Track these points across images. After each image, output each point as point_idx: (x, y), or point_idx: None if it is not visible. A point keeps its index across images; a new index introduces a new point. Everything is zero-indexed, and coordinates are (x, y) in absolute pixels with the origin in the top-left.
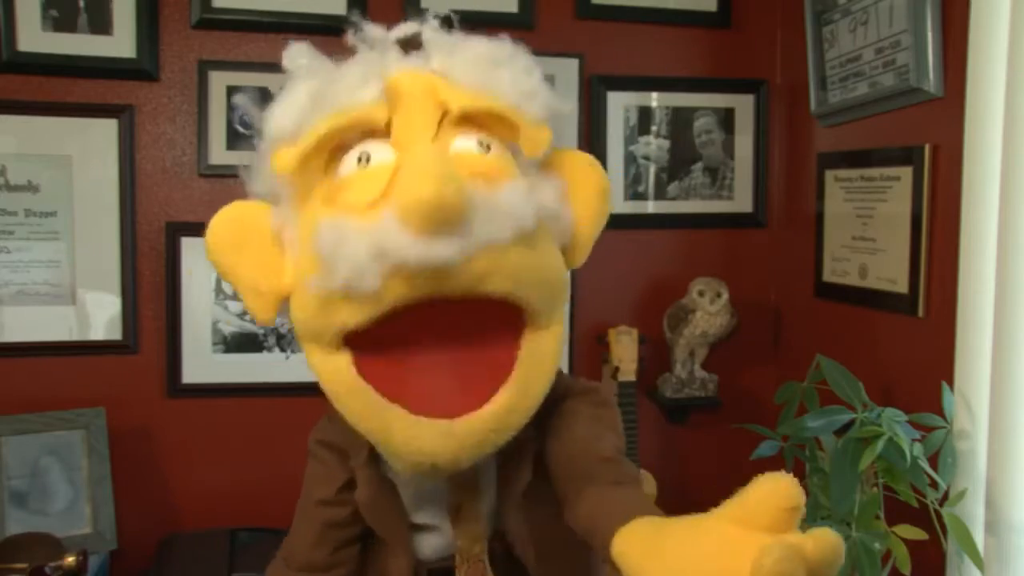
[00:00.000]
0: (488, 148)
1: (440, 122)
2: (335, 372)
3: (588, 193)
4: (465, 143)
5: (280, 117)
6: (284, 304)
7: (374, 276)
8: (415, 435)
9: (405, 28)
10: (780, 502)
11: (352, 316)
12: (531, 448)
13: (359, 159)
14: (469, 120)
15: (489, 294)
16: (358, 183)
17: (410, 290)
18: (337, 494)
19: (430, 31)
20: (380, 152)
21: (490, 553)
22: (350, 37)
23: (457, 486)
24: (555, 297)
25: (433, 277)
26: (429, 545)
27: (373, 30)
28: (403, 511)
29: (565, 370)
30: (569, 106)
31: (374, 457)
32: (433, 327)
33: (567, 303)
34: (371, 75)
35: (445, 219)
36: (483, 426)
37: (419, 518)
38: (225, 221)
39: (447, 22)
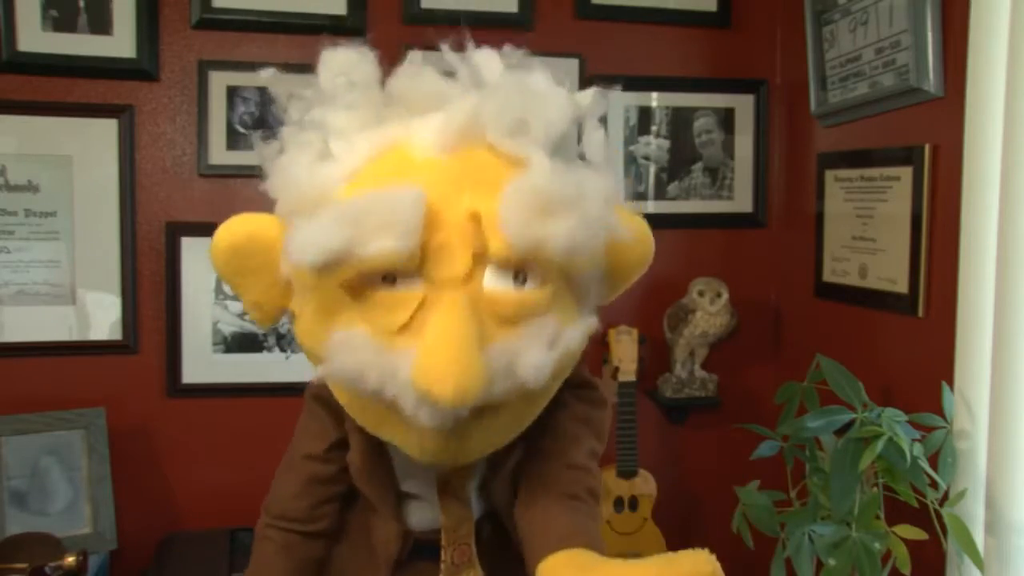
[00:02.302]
0: (524, 280)
1: (475, 258)
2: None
3: (634, 258)
4: (499, 279)
5: (308, 247)
6: (284, 314)
7: (381, 401)
8: (420, 439)
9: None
10: None
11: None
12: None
13: (384, 277)
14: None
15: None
16: (382, 304)
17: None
18: (326, 451)
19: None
20: (408, 281)
21: (477, 535)
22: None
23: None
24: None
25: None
26: (416, 515)
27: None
28: (393, 477)
29: None
30: (628, 232)
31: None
32: None
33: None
34: (403, 203)
35: (457, 412)
36: (489, 428)
37: (408, 486)
38: (232, 244)
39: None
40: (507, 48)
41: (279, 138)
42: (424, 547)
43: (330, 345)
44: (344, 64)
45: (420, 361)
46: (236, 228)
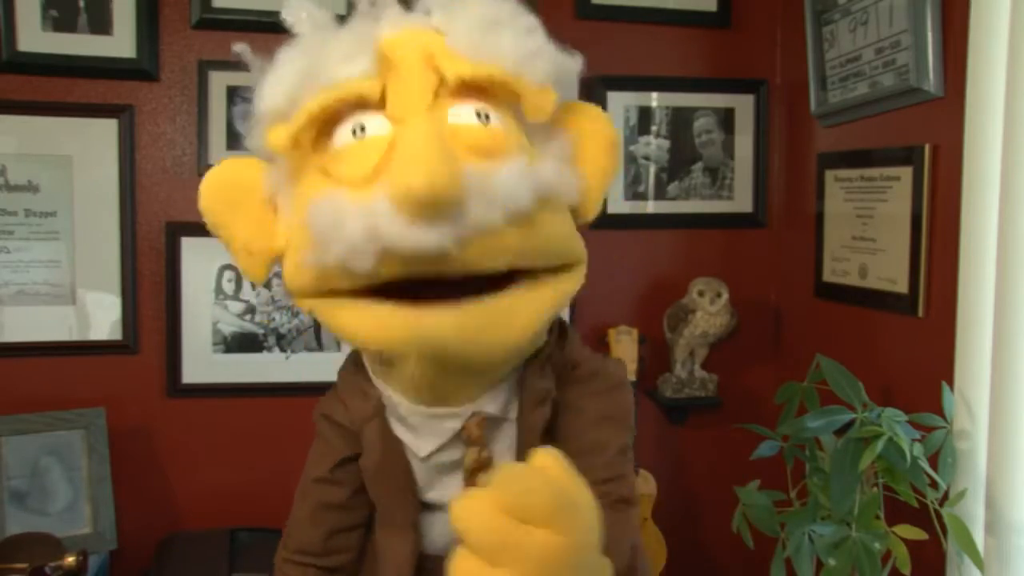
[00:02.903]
0: (487, 118)
1: (437, 91)
2: (335, 305)
3: (597, 147)
4: (463, 114)
5: (271, 94)
6: (276, 263)
7: (367, 256)
8: (420, 319)
9: None
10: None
11: (348, 284)
12: (548, 402)
13: (353, 131)
14: (468, 87)
15: (484, 271)
16: (352, 156)
17: (405, 270)
18: (332, 471)
19: None
20: (375, 123)
21: None
22: None
23: (473, 455)
24: (559, 258)
25: (426, 261)
26: (439, 529)
27: None
28: (412, 481)
29: None
30: (576, 62)
31: (382, 410)
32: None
33: (582, 252)
34: (364, 43)
35: (437, 208)
36: (487, 308)
37: (432, 495)
38: (218, 180)
39: None
40: None
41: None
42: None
43: (309, 216)
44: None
45: (393, 168)
46: (224, 168)
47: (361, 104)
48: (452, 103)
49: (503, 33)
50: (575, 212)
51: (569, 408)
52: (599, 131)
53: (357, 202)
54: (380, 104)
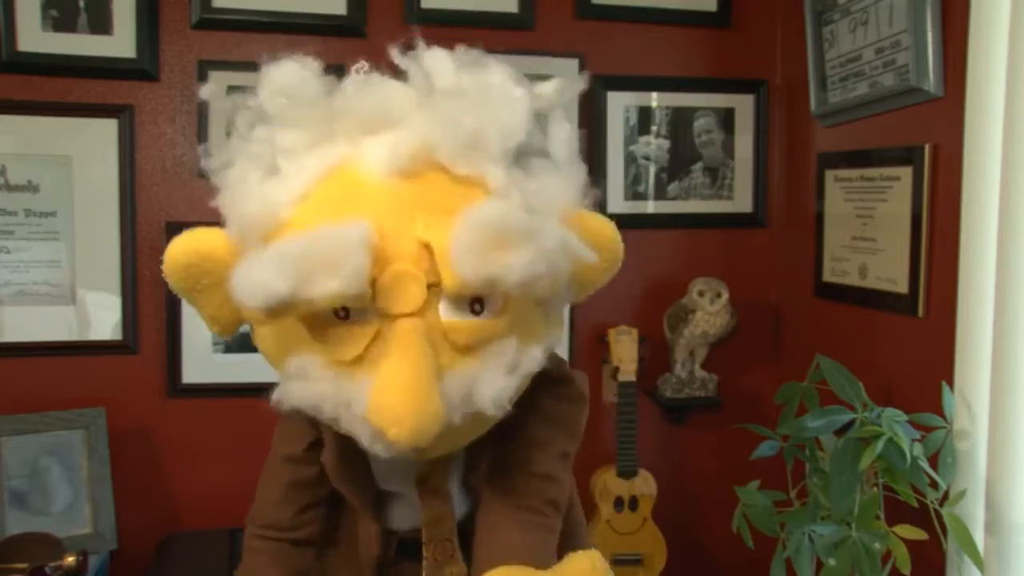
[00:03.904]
0: (481, 309)
1: (431, 288)
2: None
3: (601, 267)
4: (455, 308)
5: (255, 289)
6: (242, 324)
7: (334, 416)
8: (380, 434)
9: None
10: None
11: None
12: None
13: (336, 313)
14: None
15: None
16: (337, 337)
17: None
18: (304, 451)
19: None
20: (361, 314)
21: (462, 532)
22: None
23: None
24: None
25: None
26: (398, 514)
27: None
28: (369, 475)
29: None
30: (591, 255)
31: None
32: None
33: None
34: (351, 239)
35: (414, 450)
36: (446, 424)
37: (388, 485)
38: (182, 258)
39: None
40: (460, 48)
41: (228, 150)
42: (409, 547)
43: (286, 370)
44: (285, 83)
45: (375, 400)
46: (187, 246)
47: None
48: (445, 296)
49: (513, 253)
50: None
51: (527, 403)
52: (608, 252)
53: (336, 391)
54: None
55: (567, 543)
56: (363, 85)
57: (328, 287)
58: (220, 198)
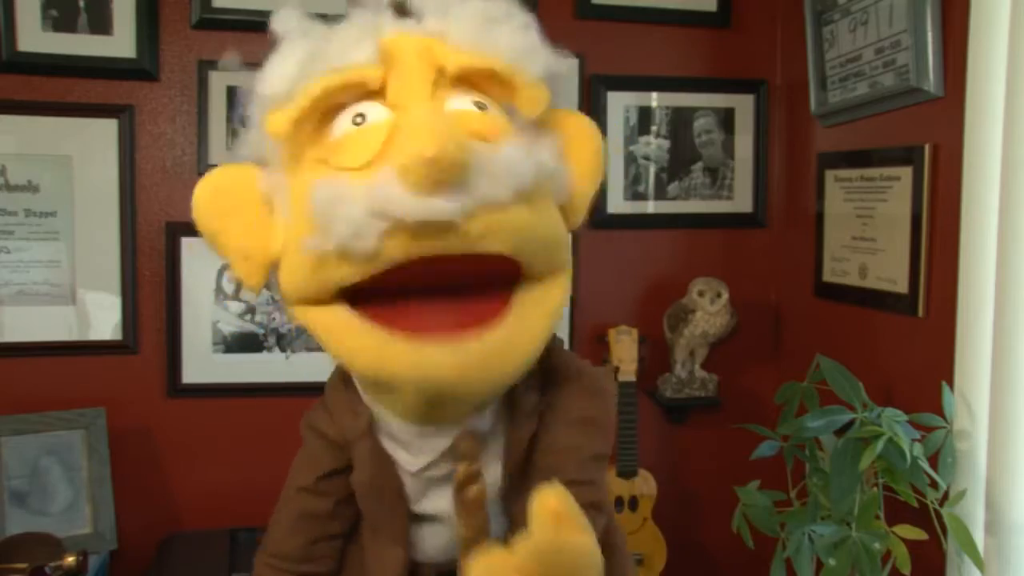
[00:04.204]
0: (484, 108)
1: (436, 82)
2: (332, 320)
3: (584, 152)
4: (461, 103)
5: (272, 78)
6: (272, 270)
7: (371, 235)
8: (420, 356)
9: None
10: (547, 507)
11: (348, 274)
12: (535, 415)
13: (354, 120)
14: (465, 80)
15: (488, 251)
16: (353, 143)
17: (408, 248)
18: (317, 482)
19: None
20: (375, 112)
21: None
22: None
23: (463, 470)
24: (555, 254)
25: (432, 235)
26: (432, 541)
27: None
28: (403, 494)
29: None
30: (567, 65)
31: (373, 429)
32: (431, 280)
33: (569, 260)
34: (364, 36)
35: (446, 175)
36: (486, 345)
37: (423, 506)
38: (211, 186)
39: None
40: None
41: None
42: None
43: (310, 199)
44: (294, 14)
45: (401, 141)
46: (216, 172)
47: (362, 93)
48: (451, 94)
49: (500, 29)
50: (563, 213)
51: (552, 407)
52: (586, 137)
53: (360, 182)
54: (381, 94)
55: (606, 549)
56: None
57: (347, 57)
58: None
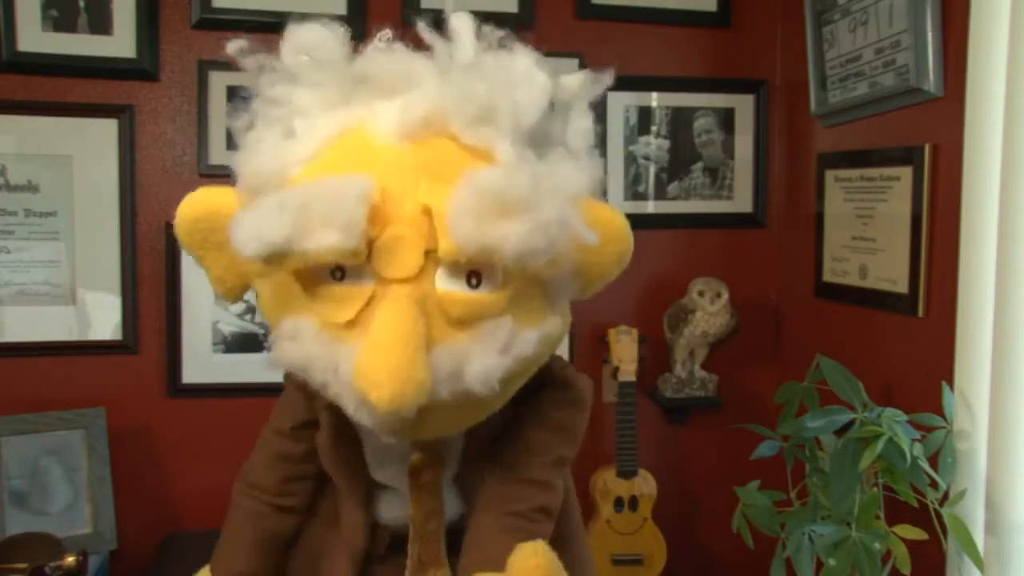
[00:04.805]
0: (478, 283)
1: (428, 255)
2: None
3: (605, 251)
4: (451, 279)
5: (247, 241)
6: (248, 290)
7: (327, 386)
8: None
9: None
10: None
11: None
12: (497, 413)
13: (333, 273)
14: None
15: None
16: (331, 298)
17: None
18: (292, 429)
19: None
20: (356, 276)
21: (453, 534)
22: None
23: (421, 446)
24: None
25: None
26: (387, 506)
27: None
28: (361, 463)
29: None
30: (592, 237)
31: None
32: None
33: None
34: (348, 195)
35: (400, 422)
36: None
37: (380, 476)
38: (192, 213)
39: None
40: (487, 28)
41: (249, 112)
42: (395, 543)
43: (281, 330)
44: (308, 42)
45: (360, 362)
46: (198, 202)
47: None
48: (442, 264)
49: (510, 223)
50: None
51: (531, 408)
52: (612, 239)
53: (325, 355)
54: (366, 255)
55: (563, 548)
56: (384, 51)
57: (323, 240)
58: (236, 158)
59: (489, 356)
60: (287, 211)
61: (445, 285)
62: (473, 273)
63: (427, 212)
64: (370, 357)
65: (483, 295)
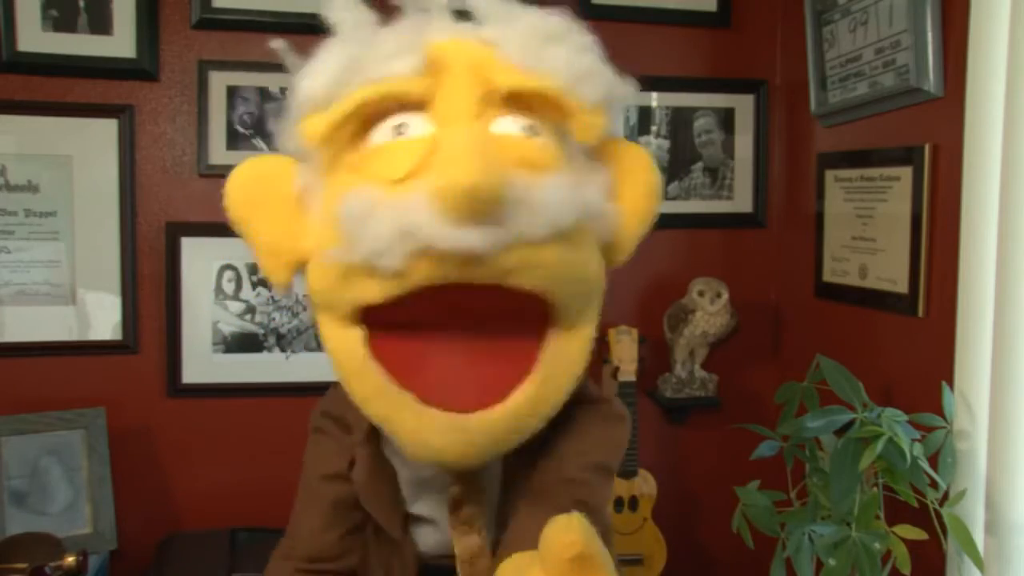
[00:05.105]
0: (534, 132)
1: (485, 99)
2: (346, 347)
3: (637, 191)
4: (510, 125)
5: (313, 81)
6: (300, 269)
7: (398, 255)
8: (422, 426)
9: None
10: (561, 552)
11: (371, 292)
12: (541, 439)
13: (395, 130)
14: (516, 100)
15: (517, 287)
16: (391, 154)
17: (435, 273)
18: (337, 472)
19: None
20: (418, 125)
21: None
22: None
23: (459, 477)
24: (587, 298)
25: (461, 263)
26: (425, 539)
27: None
28: (399, 498)
29: None
30: (630, 90)
31: (374, 435)
32: (455, 311)
33: (600, 306)
34: (414, 42)
35: (480, 208)
36: (497, 426)
37: (417, 508)
38: (246, 175)
39: None
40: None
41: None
42: (440, 571)
43: (339, 209)
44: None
45: (437, 165)
46: (253, 161)
47: (404, 104)
48: (499, 114)
49: (558, 48)
50: (606, 252)
51: (567, 421)
52: (641, 173)
53: (392, 198)
54: (424, 106)
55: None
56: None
57: (392, 65)
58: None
59: (560, 187)
60: (346, 56)
61: (504, 130)
62: (527, 127)
63: (481, 63)
64: (445, 155)
65: (542, 142)
